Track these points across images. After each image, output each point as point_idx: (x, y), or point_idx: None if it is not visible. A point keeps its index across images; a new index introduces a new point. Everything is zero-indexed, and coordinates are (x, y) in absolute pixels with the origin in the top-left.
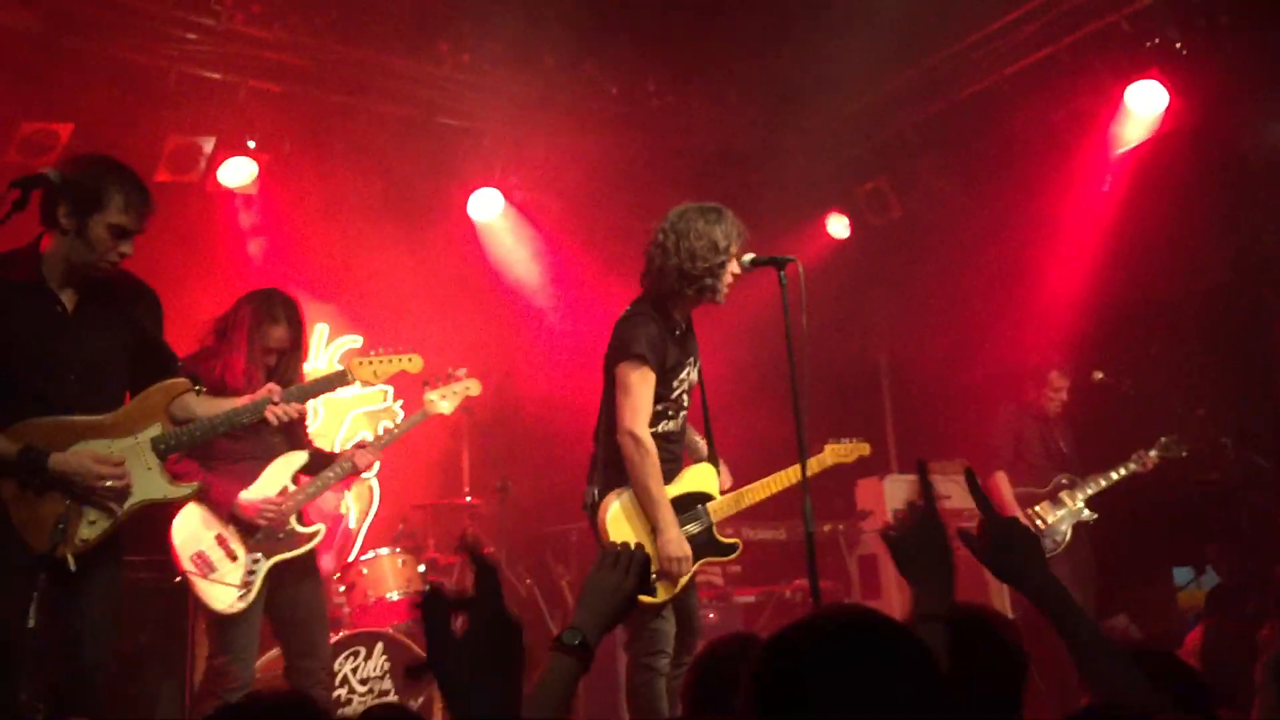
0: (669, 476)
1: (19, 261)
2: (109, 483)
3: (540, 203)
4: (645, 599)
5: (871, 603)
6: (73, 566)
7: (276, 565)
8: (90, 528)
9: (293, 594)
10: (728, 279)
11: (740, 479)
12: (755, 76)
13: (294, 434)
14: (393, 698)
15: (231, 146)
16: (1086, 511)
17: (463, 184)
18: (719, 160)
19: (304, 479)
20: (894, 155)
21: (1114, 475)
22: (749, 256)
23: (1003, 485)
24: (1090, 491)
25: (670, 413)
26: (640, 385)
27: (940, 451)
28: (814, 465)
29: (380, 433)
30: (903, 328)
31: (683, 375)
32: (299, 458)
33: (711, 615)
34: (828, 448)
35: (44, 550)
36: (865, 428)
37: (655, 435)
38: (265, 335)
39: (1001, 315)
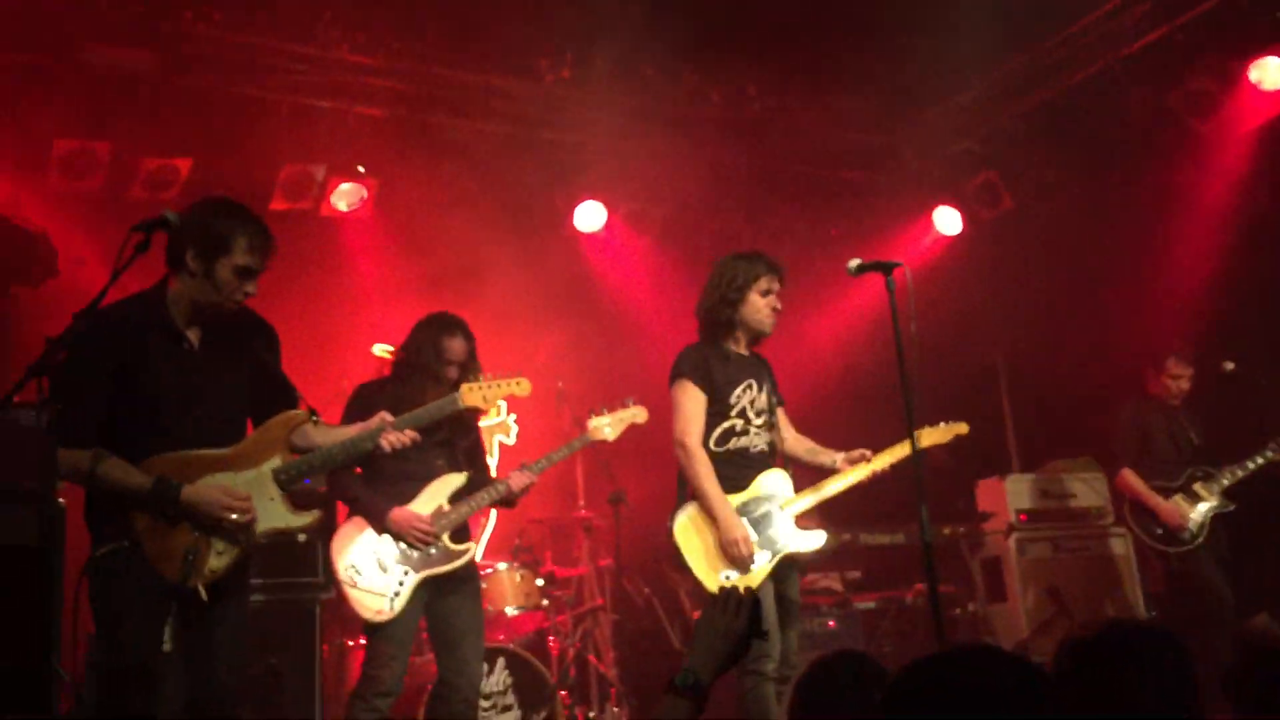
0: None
1: (148, 302)
2: (235, 516)
3: (645, 212)
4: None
5: (996, 606)
6: (204, 596)
7: (434, 581)
8: (218, 558)
9: (448, 609)
10: (755, 311)
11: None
12: (858, 74)
13: (454, 456)
14: (515, 713)
15: (342, 173)
16: (1224, 503)
17: (568, 198)
18: (824, 162)
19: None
20: (1004, 147)
21: (1250, 465)
22: (855, 262)
23: (1134, 481)
24: (1226, 482)
25: (739, 430)
26: (685, 400)
27: (1064, 450)
28: (903, 450)
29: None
30: (1019, 323)
31: (738, 392)
32: (457, 479)
33: (831, 623)
34: (919, 434)
35: (176, 581)
36: (983, 428)
37: (728, 452)
38: (445, 349)
39: (1123, 306)
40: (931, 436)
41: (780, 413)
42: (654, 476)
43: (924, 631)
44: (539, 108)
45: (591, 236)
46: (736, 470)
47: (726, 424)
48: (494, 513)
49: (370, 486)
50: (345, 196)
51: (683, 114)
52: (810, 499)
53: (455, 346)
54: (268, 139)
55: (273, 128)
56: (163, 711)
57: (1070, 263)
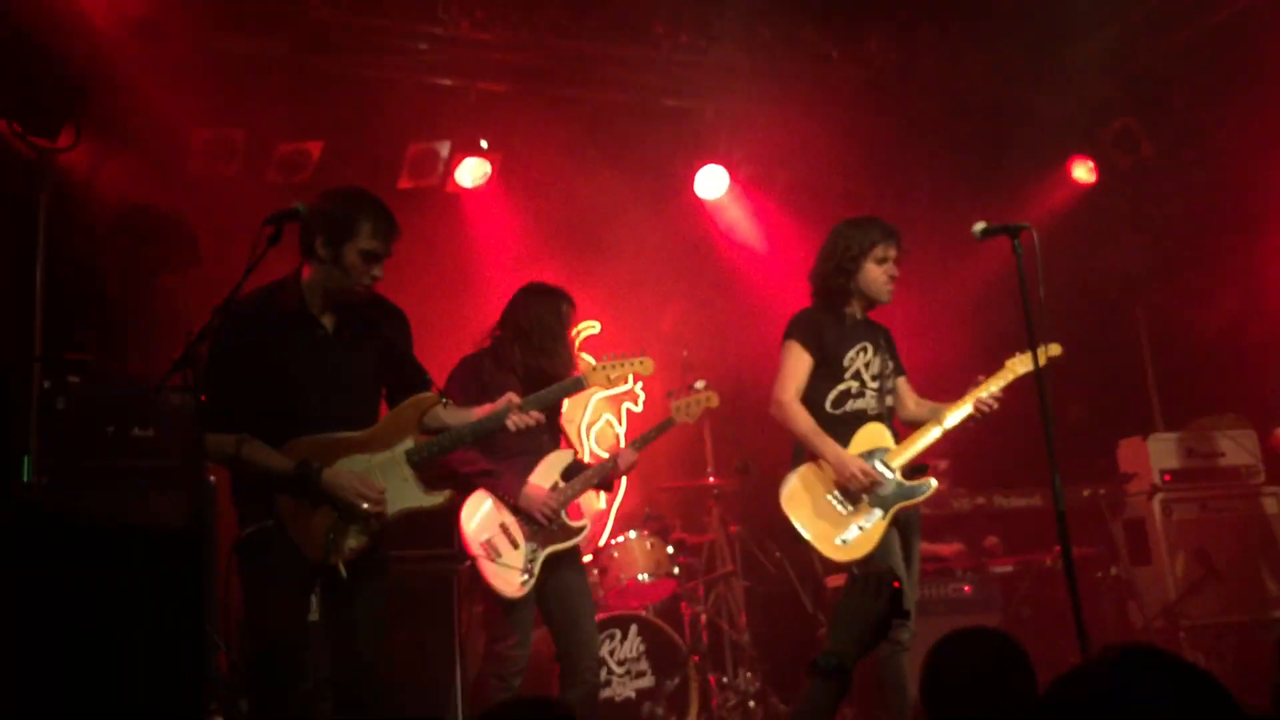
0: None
1: (284, 290)
2: (367, 505)
3: (767, 175)
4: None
5: (1141, 570)
6: (344, 574)
7: (553, 557)
8: (356, 538)
9: (564, 585)
10: (872, 280)
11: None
12: (985, 21)
13: (555, 431)
14: (649, 679)
15: (466, 149)
16: None
17: (689, 164)
18: (952, 115)
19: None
20: (1142, 90)
21: None
22: (979, 226)
23: None
24: None
25: (855, 392)
26: (788, 359)
27: (1210, 407)
28: (995, 384)
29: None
30: (1160, 276)
31: (852, 354)
32: (566, 455)
33: (966, 588)
34: (1007, 363)
35: (318, 559)
36: (1125, 387)
37: (844, 414)
38: (568, 316)
39: (1272, 256)
40: (1024, 364)
41: (902, 382)
42: (782, 442)
43: (1064, 595)
44: (658, 75)
45: (714, 202)
46: (851, 432)
47: (842, 386)
48: (624, 483)
49: (491, 459)
50: (470, 172)
51: (802, 74)
52: (914, 447)
53: (572, 314)
54: (393, 119)
55: (398, 107)
56: (309, 681)
57: (1209, 211)
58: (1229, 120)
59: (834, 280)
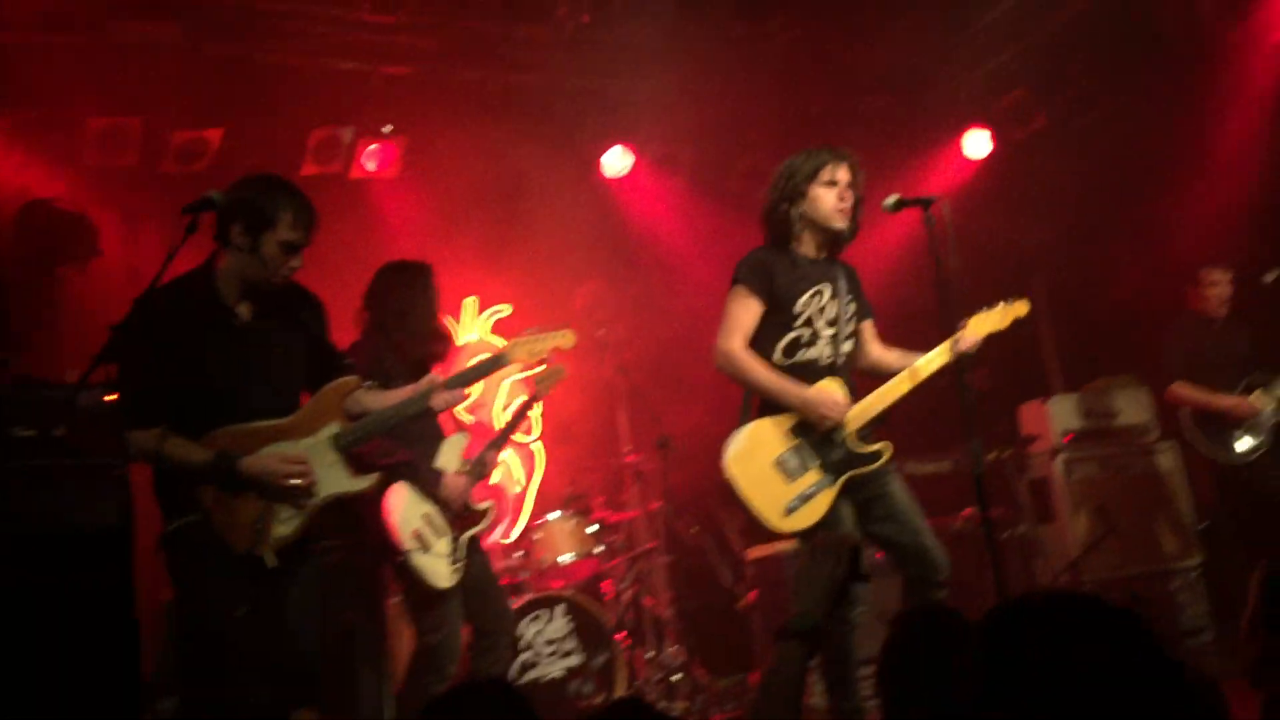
0: None
1: (198, 281)
2: (295, 480)
3: (673, 154)
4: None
5: (1045, 528)
6: (272, 562)
7: (470, 540)
8: (284, 524)
9: (475, 565)
10: (820, 205)
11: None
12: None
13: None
14: (577, 657)
15: (370, 134)
16: None
17: (597, 143)
18: (853, 91)
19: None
20: (1036, 62)
21: None
22: (891, 199)
23: (1187, 391)
24: None
25: (806, 340)
26: (733, 306)
27: (1107, 369)
28: (967, 341)
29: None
30: (1054, 244)
31: (805, 299)
32: (462, 438)
33: (878, 553)
34: (971, 321)
35: (244, 550)
36: (1023, 351)
37: (795, 364)
38: (435, 297)
39: (1160, 221)
40: (988, 322)
41: (866, 326)
42: (696, 414)
43: (974, 556)
44: (562, 54)
45: (621, 181)
46: (802, 382)
47: (792, 334)
48: (541, 462)
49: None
50: (374, 157)
51: (706, 50)
52: (873, 407)
53: (435, 284)
54: (295, 104)
55: (299, 93)
56: (244, 675)
57: (1105, 179)
58: (1120, 90)
59: (779, 210)
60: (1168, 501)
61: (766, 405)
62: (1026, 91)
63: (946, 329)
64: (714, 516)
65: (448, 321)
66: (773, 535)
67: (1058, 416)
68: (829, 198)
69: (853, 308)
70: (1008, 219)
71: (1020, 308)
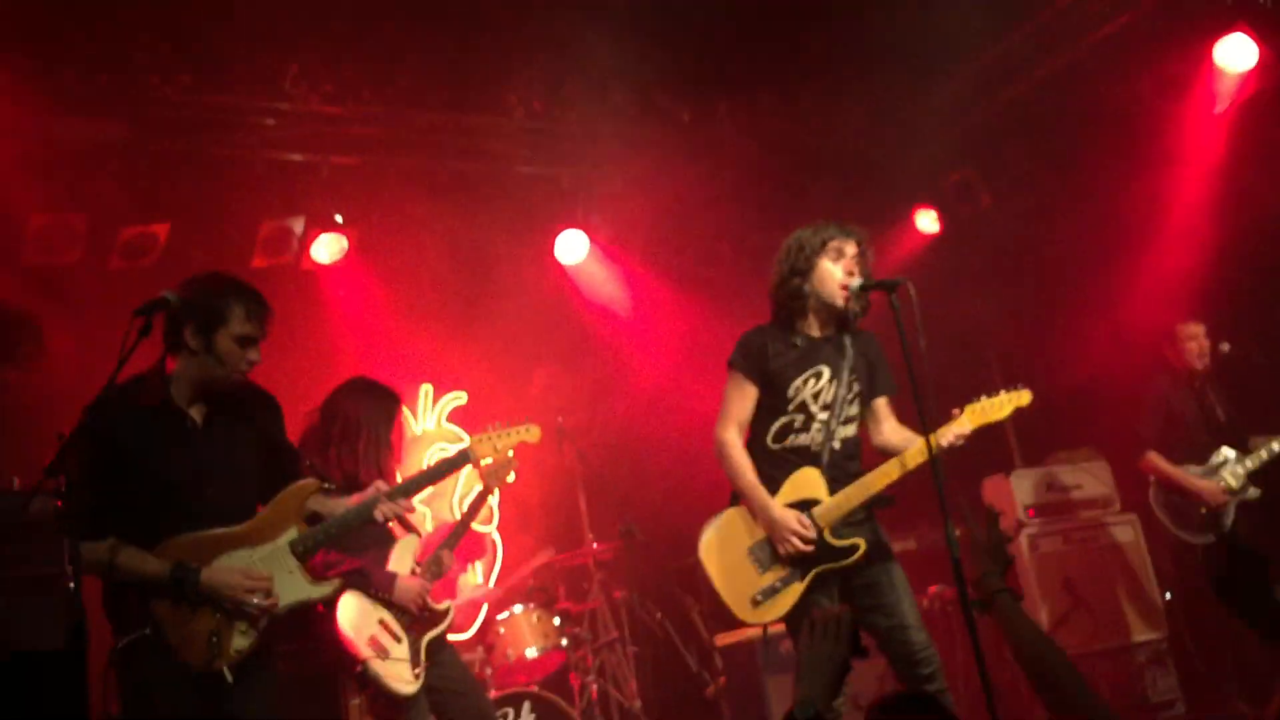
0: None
1: (147, 386)
2: (256, 598)
3: (626, 238)
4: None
5: None
6: (230, 678)
7: (428, 644)
8: (242, 638)
9: (445, 667)
10: (826, 281)
11: None
12: (827, 80)
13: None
14: None
15: (321, 224)
16: (1251, 489)
17: (548, 229)
18: (800, 172)
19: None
20: (979, 142)
21: (1276, 447)
22: (857, 282)
23: (1161, 463)
24: (1252, 466)
25: (798, 426)
26: (729, 390)
27: (1065, 442)
28: (952, 432)
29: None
30: (1007, 320)
31: (798, 383)
32: (413, 541)
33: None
34: (966, 410)
35: (201, 666)
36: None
37: (783, 450)
38: (396, 421)
39: (1111, 296)
40: (989, 412)
41: (881, 404)
42: (657, 499)
43: (941, 633)
44: (511, 143)
45: (576, 266)
46: (787, 472)
47: (785, 419)
48: (500, 553)
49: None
50: (326, 247)
51: (655, 138)
52: (850, 502)
53: (399, 414)
54: (244, 197)
55: (248, 185)
56: None
57: (1053, 255)
58: (1056, 171)
59: (787, 287)
60: (1131, 574)
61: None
62: (971, 171)
63: (925, 411)
64: (678, 602)
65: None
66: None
67: (1020, 490)
68: (836, 272)
69: (855, 389)
70: (959, 295)
71: (1023, 396)
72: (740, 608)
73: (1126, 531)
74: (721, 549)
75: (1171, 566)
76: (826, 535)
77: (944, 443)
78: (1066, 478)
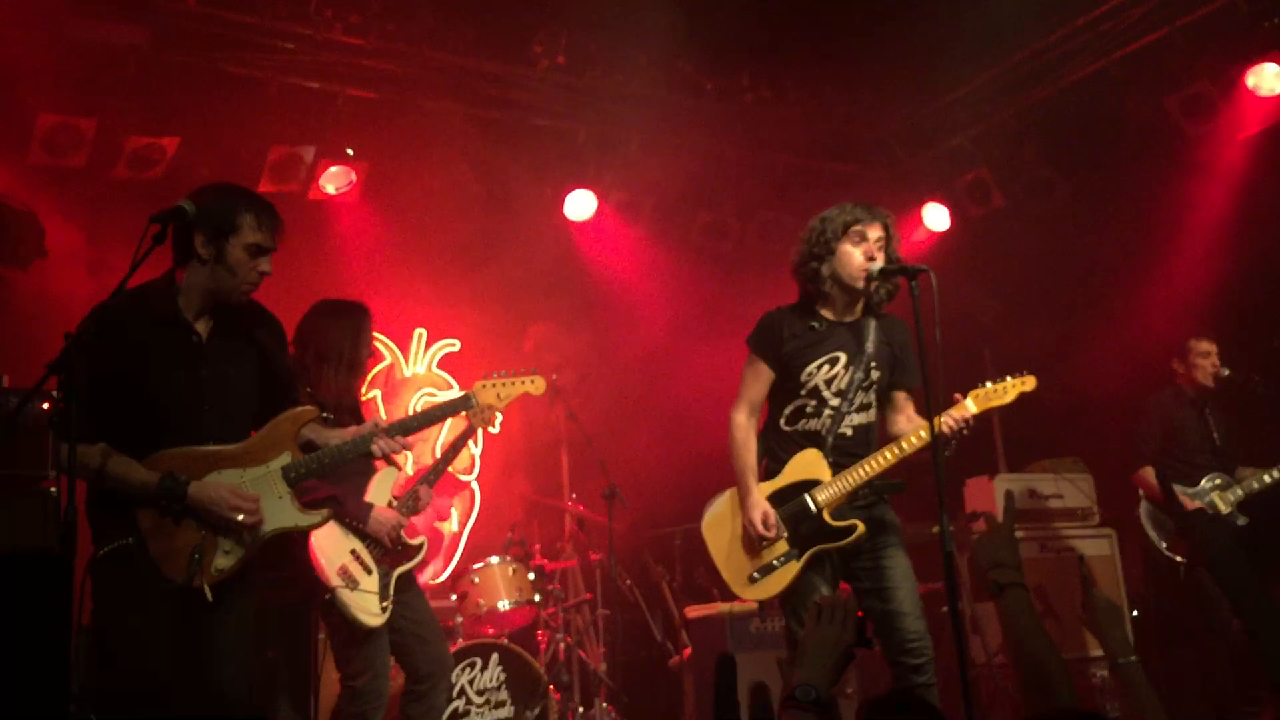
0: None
1: (157, 295)
2: (242, 517)
3: (635, 202)
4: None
5: (983, 606)
6: (209, 597)
7: (400, 578)
8: (225, 557)
9: (410, 606)
10: (846, 263)
11: None
12: (853, 68)
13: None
14: (508, 709)
15: (331, 155)
16: (1239, 517)
17: (558, 185)
18: (816, 155)
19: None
20: (996, 144)
21: (1268, 478)
22: (877, 265)
23: (1153, 480)
24: (1242, 494)
25: (811, 410)
26: (746, 371)
27: (1050, 450)
28: (953, 416)
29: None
30: (1007, 321)
31: (811, 368)
32: (392, 473)
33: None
34: (970, 395)
35: (181, 581)
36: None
37: (796, 433)
38: (367, 339)
39: (1112, 308)
40: (992, 398)
41: (901, 394)
42: (641, 466)
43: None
44: (531, 94)
45: (582, 225)
46: (793, 454)
47: (797, 403)
48: (478, 502)
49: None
50: (334, 180)
51: (676, 103)
52: (847, 483)
53: (370, 328)
54: (257, 119)
55: (262, 108)
56: (169, 711)
57: (1060, 263)
58: (1073, 179)
59: (806, 269)
60: (1104, 588)
61: (756, 478)
62: (986, 172)
63: (935, 399)
64: (648, 568)
65: (392, 351)
66: (708, 596)
67: (1002, 494)
68: (856, 255)
69: (874, 376)
70: (962, 294)
71: (1028, 382)
72: (738, 583)
73: (1103, 545)
74: (723, 525)
75: (1143, 586)
76: (826, 516)
77: (945, 427)
78: (1048, 486)
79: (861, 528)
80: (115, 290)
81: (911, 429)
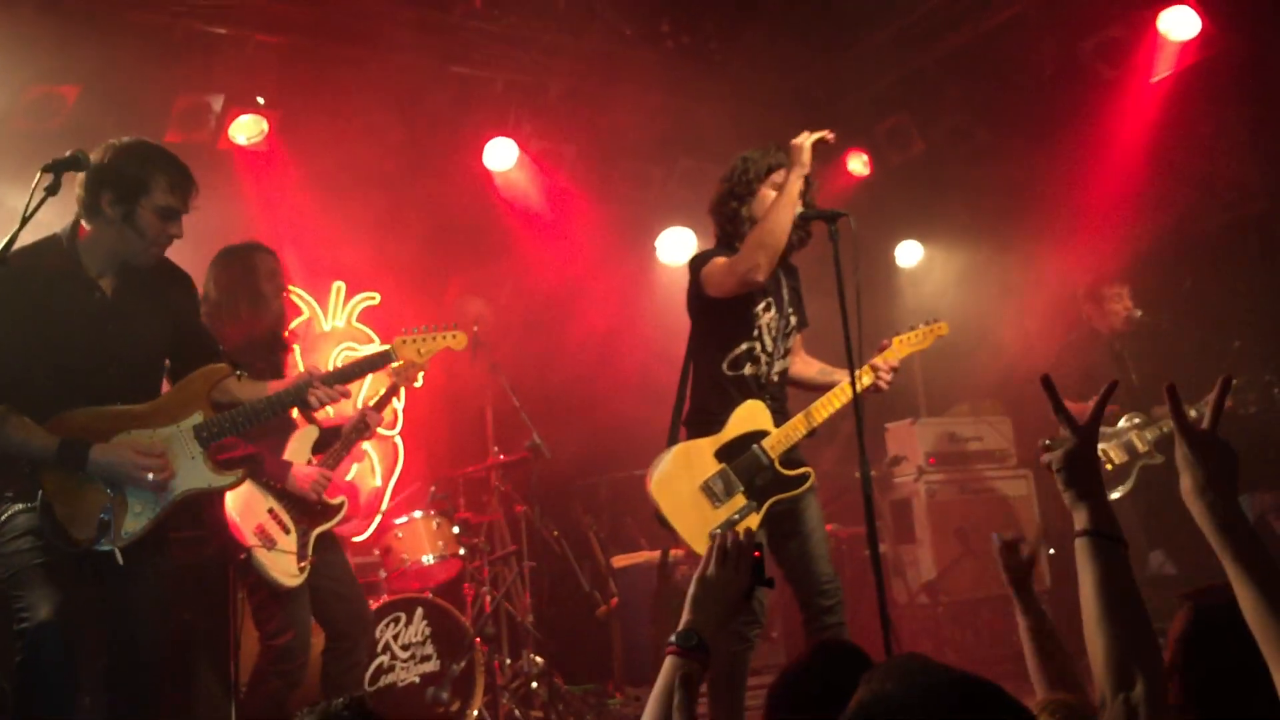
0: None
1: (56, 249)
2: (151, 475)
3: (556, 151)
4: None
5: (905, 548)
6: (120, 560)
7: (321, 537)
8: (135, 519)
9: (329, 563)
10: (764, 207)
11: None
12: (773, 15)
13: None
14: (434, 663)
15: (241, 103)
16: (1157, 456)
17: (477, 134)
18: (736, 101)
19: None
20: (916, 90)
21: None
22: (797, 209)
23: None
24: (1160, 433)
25: (753, 354)
26: (715, 267)
27: (970, 394)
28: (885, 361)
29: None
30: (927, 267)
31: (757, 310)
32: (312, 432)
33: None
34: (895, 340)
35: (89, 545)
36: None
37: (736, 378)
38: (257, 264)
39: (1036, 252)
40: (909, 344)
41: (798, 337)
42: (563, 419)
43: (845, 571)
44: (448, 40)
45: (502, 174)
46: (739, 400)
47: (745, 345)
48: (401, 455)
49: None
50: (244, 129)
51: (596, 50)
52: (797, 432)
53: (267, 261)
54: (162, 66)
55: (167, 54)
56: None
57: (980, 207)
58: (992, 124)
59: (725, 209)
60: (1021, 527)
61: (693, 427)
62: (905, 118)
63: (857, 344)
64: (576, 518)
65: (310, 305)
66: (635, 545)
67: (923, 438)
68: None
69: (793, 320)
70: (884, 241)
71: (941, 328)
72: (698, 541)
73: (1020, 486)
74: (674, 483)
75: (1061, 522)
76: (778, 466)
77: (879, 375)
78: (967, 429)
79: (813, 475)
80: (5, 244)
81: (815, 371)
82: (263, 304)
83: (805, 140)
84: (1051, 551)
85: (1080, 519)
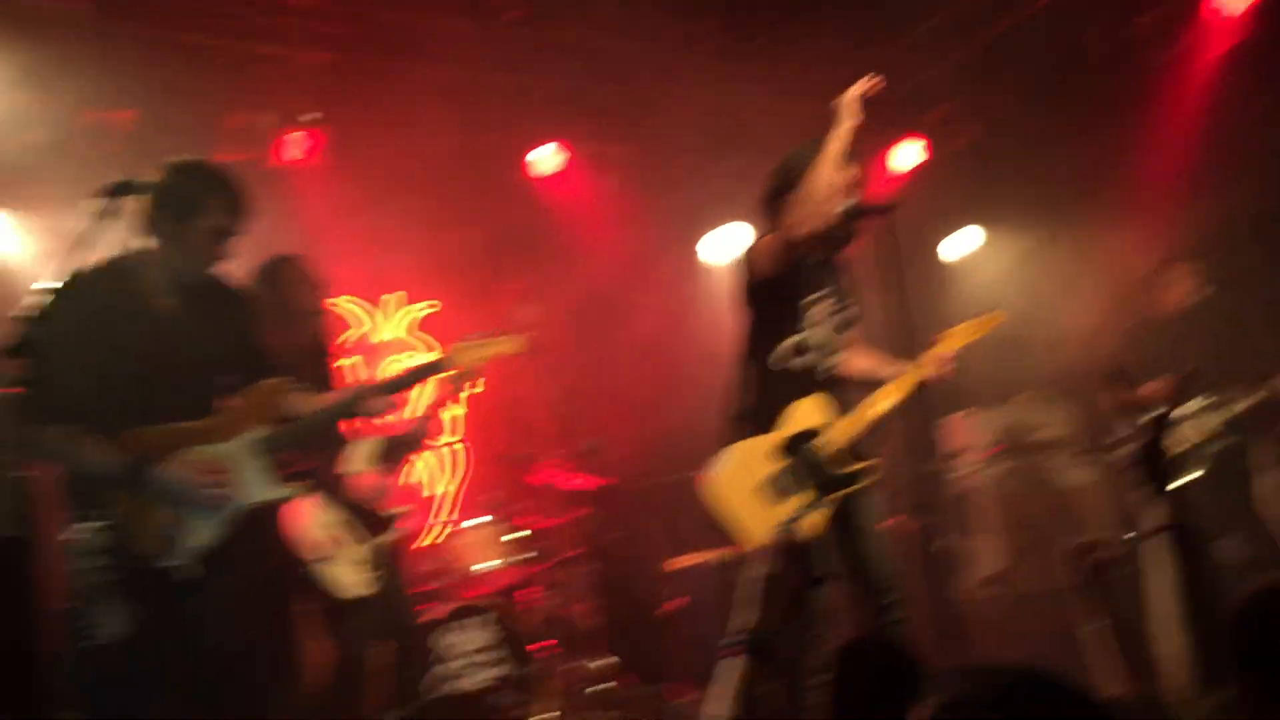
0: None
1: (120, 270)
2: (211, 491)
3: (606, 153)
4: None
5: (968, 541)
6: (184, 576)
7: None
8: (197, 535)
9: (385, 577)
10: (815, 209)
11: None
12: (819, 7)
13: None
14: (499, 669)
15: (290, 120)
16: (1228, 436)
17: (522, 140)
18: (786, 97)
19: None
20: (965, 78)
21: (1250, 400)
22: (846, 204)
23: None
24: (1229, 414)
25: (805, 347)
26: (759, 253)
27: (1031, 382)
28: (944, 351)
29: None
30: (983, 256)
31: (811, 299)
32: (370, 442)
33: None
34: (951, 332)
35: (155, 560)
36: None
37: (789, 371)
38: (300, 280)
39: (1096, 236)
40: (965, 334)
41: (852, 329)
42: (624, 420)
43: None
44: (491, 48)
45: (551, 179)
46: (794, 395)
47: (800, 337)
48: (460, 469)
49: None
50: (295, 145)
51: (641, 51)
52: (860, 427)
53: (291, 269)
54: (211, 87)
55: (216, 75)
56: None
57: (1033, 197)
58: (1043, 109)
59: (775, 200)
60: (1086, 518)
61: (750, 424)
62: (954, 107)
63: (905, 339)
64: (638, 524)
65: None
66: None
67: (985, 429)
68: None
69: (849, 312)
70: (936, 231)
71: (997, 316)
72: (759, 540)
73: (1087, 472)
74: (731, 483)
75: (1127, 513)
76: (837, 461)
77: (937, 368)
78: (1030, 418)
79: (874, 470)
80: (68, 268)
81: (868, 364)
82: (295, 313)
83: (852, 93)
84: (1123, 540)
85: (1158, 514)
